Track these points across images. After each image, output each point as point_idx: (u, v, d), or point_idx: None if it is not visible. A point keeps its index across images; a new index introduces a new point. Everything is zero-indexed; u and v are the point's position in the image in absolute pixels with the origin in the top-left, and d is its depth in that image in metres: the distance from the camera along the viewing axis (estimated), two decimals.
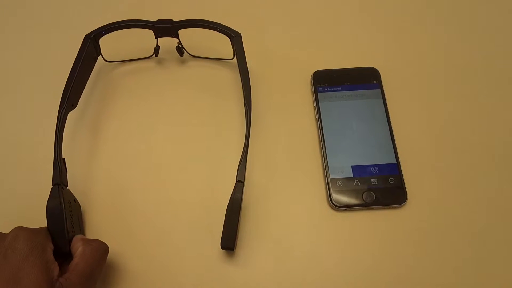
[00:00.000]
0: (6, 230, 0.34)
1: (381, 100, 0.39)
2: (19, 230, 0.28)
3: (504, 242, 0.34)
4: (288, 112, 0.39)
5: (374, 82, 0.40)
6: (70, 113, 0.38)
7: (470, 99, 0.40)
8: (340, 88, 0.40)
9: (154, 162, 0.37)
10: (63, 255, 0.30)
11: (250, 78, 0.36)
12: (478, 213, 0.35)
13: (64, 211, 0.30)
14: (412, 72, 0.42)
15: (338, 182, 0.35)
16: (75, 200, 0.34)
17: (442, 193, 0.35)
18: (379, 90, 0.40)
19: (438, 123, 0.39)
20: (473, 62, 0.42)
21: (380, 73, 0.40)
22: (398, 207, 0.35)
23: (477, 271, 0.33)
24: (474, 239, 0.34)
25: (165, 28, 0.39)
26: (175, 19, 0.39)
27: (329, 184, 0.35)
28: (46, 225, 0.30)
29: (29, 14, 0.46)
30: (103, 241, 0.31)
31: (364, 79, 0.40)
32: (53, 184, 0.31)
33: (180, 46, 0.41)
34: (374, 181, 0.35)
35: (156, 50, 0.41)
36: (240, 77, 0.37)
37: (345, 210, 0.35)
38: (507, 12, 0.45)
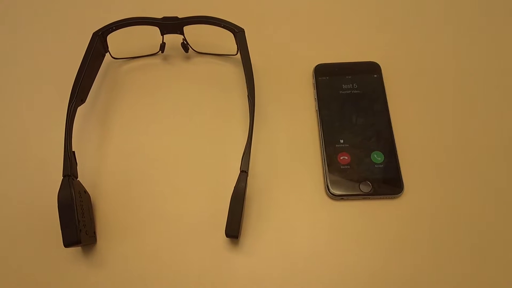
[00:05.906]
0: (19, 220, 0.36)
1: (381, 94, 0.40)
2: None
3: (501, 230, 0.34)
4: (290, 104, 0.40)
5: (375, 76, 0.41)
6: (79, 108, 0.39)
7: (468, 91, 0.40)
8: (341, 82, 0.41)
9: (160, 154, 0.38)
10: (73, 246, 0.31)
11: (253, 72, 0.37)
12: (474, 204, 0.35)
13: (74, 200, 0.31)
14: (413, 66, 0.42)
15: (336, 172, 0.36)
16: (85, 191, 0.35)
17: (439, 184, 0.36)
18: (379, 84, 0.40)
19: (437, 116, 0.39)
20: (473, 56, 0.43)
21: (381, 67, 0.41)
22: (394, 198, 0.36)
23: (474, 261, 0.33)
24: (470, 230, 0.34)
25: (170, 25, 0.40)
26: (180, 16, 0.40)
27: (327, 174, 0.36)
28: (58, 215, 0.31)
29: (39, 13, 0.47)
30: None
31: (365, 73, 0.41)
32: (64, 176, 0.32)
33: (185, 42, 0.42)
34: (371, 172, 0.36)
35: (162, 46, 0.42)
36: (243, 72, 0.38)
37: (342, 199, 0.36)
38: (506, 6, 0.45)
